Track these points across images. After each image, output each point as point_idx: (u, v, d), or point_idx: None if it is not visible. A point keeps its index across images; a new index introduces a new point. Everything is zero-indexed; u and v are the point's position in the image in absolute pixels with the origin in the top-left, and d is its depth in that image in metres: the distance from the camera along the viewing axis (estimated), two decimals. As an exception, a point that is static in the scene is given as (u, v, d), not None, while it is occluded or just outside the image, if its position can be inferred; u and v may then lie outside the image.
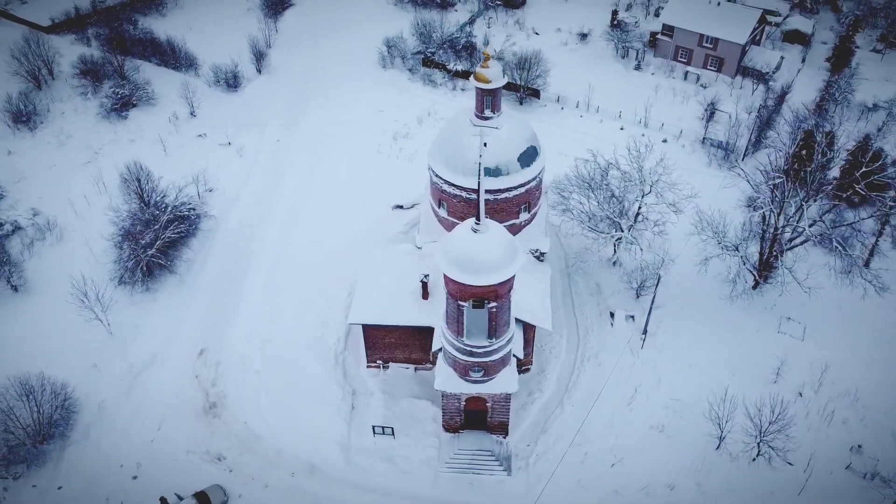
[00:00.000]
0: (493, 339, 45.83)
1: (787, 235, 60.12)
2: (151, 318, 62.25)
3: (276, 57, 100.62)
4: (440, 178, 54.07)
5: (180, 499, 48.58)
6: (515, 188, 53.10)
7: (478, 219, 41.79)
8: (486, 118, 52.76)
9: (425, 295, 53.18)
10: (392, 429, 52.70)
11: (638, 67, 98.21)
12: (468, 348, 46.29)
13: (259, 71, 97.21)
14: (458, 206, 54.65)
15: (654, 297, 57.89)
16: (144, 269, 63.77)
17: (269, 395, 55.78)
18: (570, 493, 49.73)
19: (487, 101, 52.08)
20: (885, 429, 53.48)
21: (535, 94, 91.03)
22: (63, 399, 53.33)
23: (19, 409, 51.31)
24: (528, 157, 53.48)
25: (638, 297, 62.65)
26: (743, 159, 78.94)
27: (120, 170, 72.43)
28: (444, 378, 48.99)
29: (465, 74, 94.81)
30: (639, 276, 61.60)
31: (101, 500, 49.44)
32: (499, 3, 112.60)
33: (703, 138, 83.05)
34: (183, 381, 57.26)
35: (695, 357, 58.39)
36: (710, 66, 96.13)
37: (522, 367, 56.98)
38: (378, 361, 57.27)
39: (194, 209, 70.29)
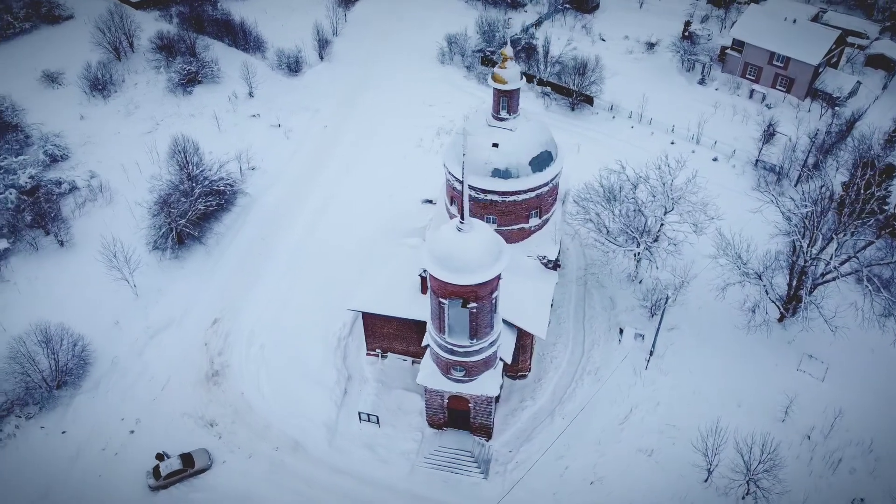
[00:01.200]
0: (475, 340, 45.68)
1: (820, 269, 56.82)
2: (176, 284, 65.26)
3: (340, 45, 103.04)
4: (452, 175, 54.21)
5: (168, 457, 50.88)
6: (524, 192, 52.62)
7: (462, 217, 41.74)
8: (502, 119, 52.48)
9: (424, 289, 53.37)
10: (377, 417, 53.38)
11: (702, 82, 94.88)
12: (449, 346, 46.35)
13: (321, 58, 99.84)
14: (475, 202, 54.54)
15: (661, 318, 56.06)
16: (175, 237, 66.92)
17: (269, 369, 57.50)
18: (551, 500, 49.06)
19: (503, 102, 51.84)
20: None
21: (589, 100, 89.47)
22: (80, 350, 56.85)
23: (39, 355, 54.97)
24: (541, 162, 52.84)
25: (652, 315, 60.83)
26: (795, 185, 75.16)
27: (184, 142, 75.77)
28: (428, 373, 49.23)
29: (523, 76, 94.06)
30: (652, 294, 59.75)
31: (97, 449, 52.37)
32: (568, 6, 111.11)
33: (756, 160, 79.46)
34: (193, 347, 59.79)
35: (701, 384, 56.23)
36: (779, 85, 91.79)
37: (519, 373, 56.53)
38: (377, 350, 58.05)
39: (231, 185, 73.06)
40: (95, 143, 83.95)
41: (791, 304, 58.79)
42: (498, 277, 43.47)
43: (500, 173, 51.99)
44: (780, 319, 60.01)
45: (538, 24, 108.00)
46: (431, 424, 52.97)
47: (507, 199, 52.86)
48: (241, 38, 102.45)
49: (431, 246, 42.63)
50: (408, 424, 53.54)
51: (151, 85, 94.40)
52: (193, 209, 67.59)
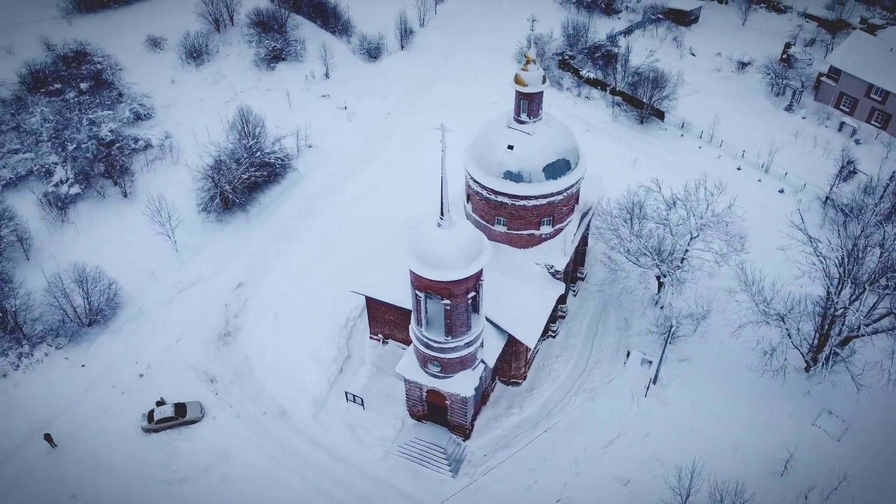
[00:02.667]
0: (449, 338, 45.74)
1: (852, 320, 52.44)
2: (213, 245, 69.02)
3: (424, 37, 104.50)
4: (469, 174, 54.18)
5: (163, 403, 54.21)
6: (535, 198, 51.81)
7: (441, 213, 41.88)
8: (522, 122, 51.91)
9: (426, 281, 53.78)
10: (362, 399, 54.47)
11: (789, 108, 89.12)
12: (425, 339, 46.65)
13: (402, 47, 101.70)
14: (479, 203, 54.54)
15: (665, 347, 53.71)
16: (221, 202, 70.69)
17: (276, 337, 59.80)
18: (506, 512, 48.57)
19: (524, 105, 51.25)
20: (891, 565, 45.78)
21: (660, 115, 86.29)
22: (112, 294, 61.50)
23: (75, 293, 59.89)
24: (557, 169, 51.80)
25: (667, 343, 58.25)
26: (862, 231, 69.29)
27: (248, 114, 79.79)
28: (407, 364, 49.73)
29: (595, 83, 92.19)
30: (665, 321, 57.28)
31: (108, 386, 56.56)
32: (663, 17, 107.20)
33: (826, 197, 73.95)
34: (214, 306, 63.12)
35: (702, 422, 53.50)
36: (874, 121, 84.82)
37: (511, 379, 55.95)
38: (379, 336, 59.09)
39: (282, 160, 76.17)
40: (178, 107, 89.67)
41: (819, 354, 54.58)
42: (475, 278, 43.33)
43: (511, 176, 51.48)
44: (807, 369, 55.92)
45: (628, 32, 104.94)
46: (412, 415, 53.46)
47: (517, 203, 52.24)
48: (332, 20, 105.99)
49: (412, 237, 43.05)
50: (392, 412, 54.29)
51: (241, 58, 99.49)
52: (240, 178, 71.13)
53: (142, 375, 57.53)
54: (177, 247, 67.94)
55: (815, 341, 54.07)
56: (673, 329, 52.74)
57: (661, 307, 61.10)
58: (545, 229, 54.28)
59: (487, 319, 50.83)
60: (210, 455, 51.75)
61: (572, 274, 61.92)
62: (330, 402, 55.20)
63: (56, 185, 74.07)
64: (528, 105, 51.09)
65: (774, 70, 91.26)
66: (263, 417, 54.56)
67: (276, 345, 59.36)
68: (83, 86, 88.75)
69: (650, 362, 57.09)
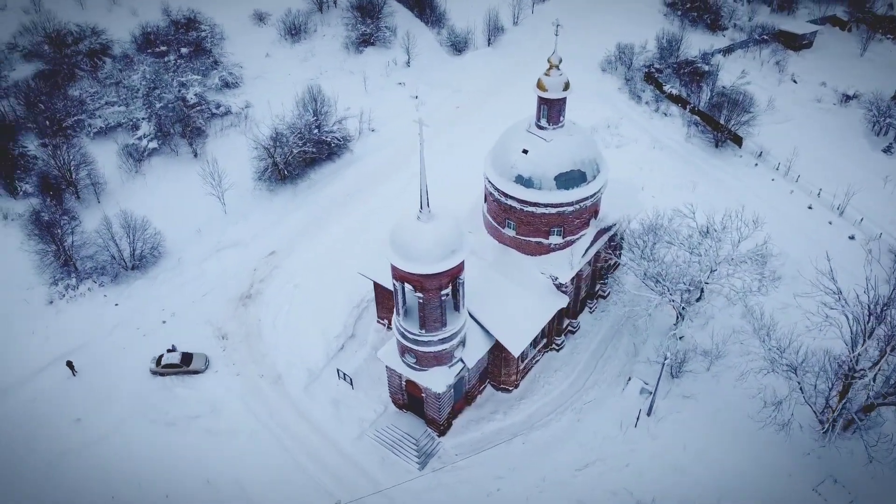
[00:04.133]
0: (423, 331, 46.00)
1: (870, 384, 47.82)
2: (259, 212, 72.52)
3: (513, 35, 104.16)
4: (486, 175, 53.82)
5: (173, 350, 57.94)
6: (544, 206, 50.78)
7: (421, 205, 42.17)
8: (541, 128, 51.04)
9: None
10: (352, 380, 55.74)
11: (888, 150, 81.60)
12: (401, 329, 47.17)
13: (489, 43, 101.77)
14: (492, 204, 54.18)
15: (659, 379, 51.16)
16: (275, 173, 74.12)
17: (291, 307, 62.17)
18: (458, 515, 48.35)
19: (544, 111, 50.40)
20: None
21: (737, 140, 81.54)
22: (156, 243, 66.30)
23: (124, 239, 65.01)
24: (570, 180, 50.52)
25: (673, 376, 55.61)
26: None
27: (317, 93, 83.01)
28: (388, 351, 50.38)
29: (676, 99, 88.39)
30: (675, 354, 54.53)
31: (133, 327, 61.09)
32: (770, 38, 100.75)
33: (900, 250, 67.45)
34: (244, 268, 66.49)
35: (690, 464, 50.65)
36: (983, 175, 76.04)
37: (501, 385, 55.34)
38: (385, 321, 60.08)
39: (340, 140, 78.64)
40: (265, 80, 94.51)
41: (834, 416, 50.13)
42: (449, 275, 43.27)
43: (522, 180, 50.76)
44: (824, 433, 51.42)
45: (727, 50, 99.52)
46: (394, 403, 54.13)
47: (526, 209, 51.43)
48: (427, 10, 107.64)
49: (393, 226, 43.62)
50: (378, 396, 55.19)
51: (335, 39, 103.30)
52: (292, 152, 74.29)
53: (164, 322, 61.64)
54: (226, 209, 72.00)
55: (829, 402, 49.66)
56: (668, 361, 50.11)
57: (680, 338, 58.13)
58: (554, 239, 53.09)
59: (475, 321, 50.67)
60: (202, 405, 54.82)
61: (589, 290, 60.15)
62: (323, 377, 56.85)
63: (139, 139, 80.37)
64: (549, 111, 50.13)
65: (879, 107, 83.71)
66: (260, 380, 57.06)
67: (290, 313, 61.73)
68: (184, 50, 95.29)
69: (650, 392, 54.63)
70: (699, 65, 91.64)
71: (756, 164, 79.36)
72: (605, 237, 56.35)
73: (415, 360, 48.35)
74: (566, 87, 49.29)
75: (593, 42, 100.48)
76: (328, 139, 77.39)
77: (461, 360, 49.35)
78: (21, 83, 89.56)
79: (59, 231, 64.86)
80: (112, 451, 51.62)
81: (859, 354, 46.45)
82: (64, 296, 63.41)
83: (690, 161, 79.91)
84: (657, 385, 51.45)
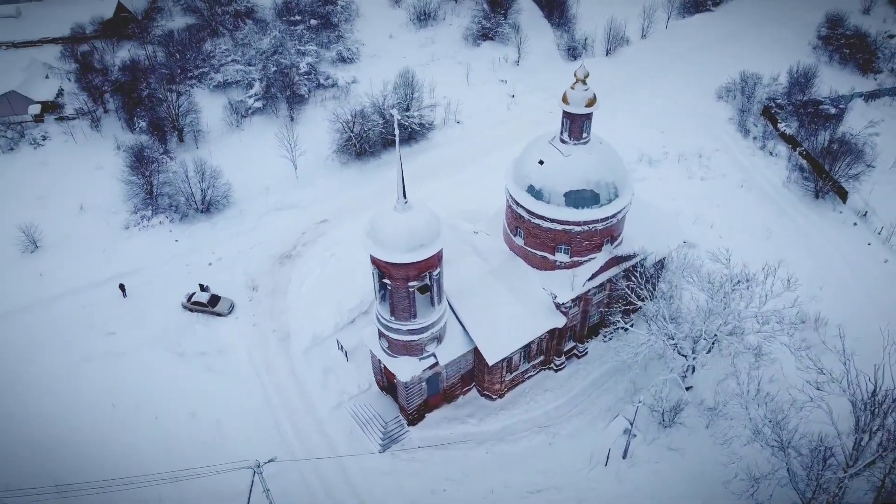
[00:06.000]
0: (393, 318, 46.97)
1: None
2: (325, 182, 76.39)
3: (637, 48, 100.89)
4: (505, 180, 53.25)
5: (206, 290, 63.10)
6: (549, 220, 49.55)
7: (398, 195, 43.05)
8: (564, 142, 49.78)
9: (434, 266, 54.71)
10: (347, 352, 57.81)
11: None
12: (378, 313, 48.39)
13: (607, 53, 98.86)
14: (508, 211, 53.63)
15: (633, 422, 48.35)
16: (347, 147, 77.62)
17: (321, 272, 65.16)
18: (398, 501, 48.97)
19: (566, 125, 49.05)
20: None
21: (842, 194, 73.70)
22: (225, 192, 72.20)
23: (197, 183, 71.44)
24: (580, 200, 48.89)
25: (664, 425, 52.34)
26: None
27: (410, 77, 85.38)
28: (371, 333, 51.67)
29: (789, 139, 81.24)
30: (666, 403, 51.34)
31: (182, 263, 67.08)
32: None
33: None
34: (294, 230, 70.54)
35: (651, 517, 47.85)
36: None
37: (485, 391, 54.95)
38: (398, 304, 61.40)
39: (419, 126, 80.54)
40: (380, 59, 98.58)
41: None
42: (416, 268, 43.81)
43: (533, 191, 49.85)
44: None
45: (872, 96, 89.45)
46: (377, 384, 55.56)
47: (533, 221, 50.43)
48: (557, 12, 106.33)
49: (375, 212, 44.88)
50: (366, 374, 56.81)
51: (458, 29, 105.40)
52: (373, 131, 77.37)
53: (210, 264, 67.15)
54: (297, 173, 76.53)
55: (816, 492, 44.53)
56: (638, 406, 47.29)
57: (687, 389, 54.43)
58: (560, 256, 51.63)
59: (459, 321, 50.73)
60: (212, 345, 59.43)
61: (605, 317, 57.75)
62: (325, 344, 59.34)
63: (250, 97, 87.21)
64: (570, 125, 48.74)
65: None
66: (271, 334, 60.72)
67: (318, 279, 64.82)
68: (313, 22, 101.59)
69: (634, 435, 51.79)
70: (825, 106, 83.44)
71: (855, 224, 71.25)
72: (622, 266, 53.67)
73: (387, 346, 49.41)
74: (590, 103, 47.61)
75: (719, 67, 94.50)
76: (407, 123, 79.50)
77: (433, 356, 49.68)
78: (170, 33, 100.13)
79: (149, 168, 72.41)
80: (125, 368, 57.47)
81: (856, 451, 41.33)
82: (138, 224, 70.93)
83: (779, 207, 73.38)
84: (631, 428, 48.78)
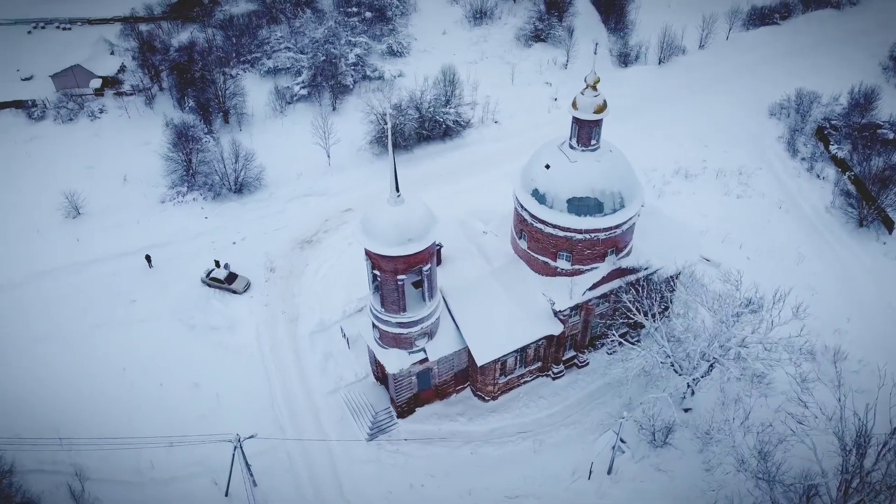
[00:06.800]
0: (383, 309, 47.48)
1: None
2: (356, 171, 77.59)
3: (693, 59, 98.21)
4: (513, 184, 52.82)
5: (224, 267, 65.15)
6: (551, 225, 48.96)
7: (391, 189, 43.48)
8: (572, 148, 49.09)
9: (438, 262, 54.77)
10: (348, 340, 58.67)
11: None
12: (370, 303, 48.97)
13: (659, 62, 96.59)
14: (514, 213, 53.20)
15: (617, 439, 47.28)
16: (381, 139, 78.70)
17: (338, 259, 66.43)
18: (376, 490, 49.52)
19: (574, 130, 48.34)
20: None
21: (889, 224, 69.79)
22: (258, 174, 74.33)
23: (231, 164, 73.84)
24: (583, 207, 48.09)
25: (655, 445, 51.02)
26: None
27: (451, 74, 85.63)
28: (367, 323, 52.23)
29: (840, 163, 77.41)
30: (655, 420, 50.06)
31: (209, 240, 69.42)
32: None
33: None
34: (318, 217, 71.97)
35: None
36: None
37: (478, 391, 54.82)
38: (406, 298, 61.86)
39: (454, 123, 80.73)
40: (429, 55, 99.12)
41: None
42: (404, 262, 44.11)
43: (537, 195, 49.36)
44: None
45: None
46: (373, 374, 56.20)
47: (535, 225, 49.93)
48: (615, 16, 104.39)
49: (371, 203, 45.47)
50: (365, 363, 57.46)
51: (511, 29, 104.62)
52: (407, 126, 78.10)
53: (234, 243, 69.28)
54: (330, 161, 77.99)
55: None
56: (622, 421, 46.23)
57: (685, 410, 52.93)
58: (562, 263, 50.94)
59: (453, 319, 50.77)
60: (224, 320, 61.35)
61: (608, 329, 56.56)
62: (331, 330, 60.36)
63: (296, 84, 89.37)
64: (579, 131, 48.00)
65: None
66: (281, 315, 62.22)
67: (333, 266, 66.04)
68: (367, 14, 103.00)
69: (623, 451, 50.69)
70: (884, 130, 79.16)
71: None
72: (626, 279, 52.40)
73: (379, 337, 49.95)
74: (599, 109, 46.76)
75: (776, 83, 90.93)
76: (441, 119, 79.82)
77: (423, 351, 49.91)
78: (231, 17, 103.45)
79: (190, 146, 75.22)
80: (140, 335, 60.03)
81: (842, 493, 39.39)
82: (173, 199, 73.87)
83: (818, 232, 70.11)
84: (616, 444, 47.73)
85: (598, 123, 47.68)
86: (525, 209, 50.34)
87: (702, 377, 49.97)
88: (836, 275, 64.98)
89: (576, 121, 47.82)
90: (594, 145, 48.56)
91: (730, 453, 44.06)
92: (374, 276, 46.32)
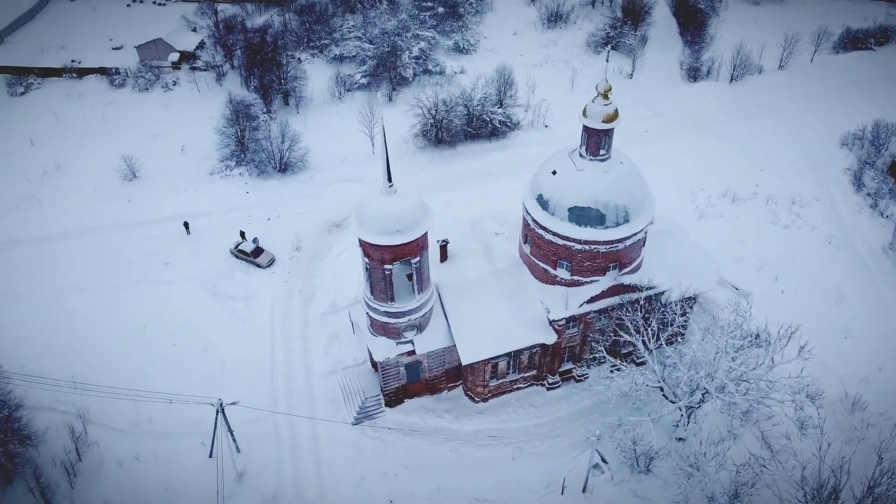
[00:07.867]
0: (372, 297, 48.17)
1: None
2: (399, 162, 76.28)
3: (767, 79, 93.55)
4: (524, 205, 51.95)
5: (252, 241, 67.61)
6: (550, 232, 48.15)
7: (384, 179, 44.10)
8: (582, 156, 48.09)
9: (442, 258, 54.93)
10: (353, 325, 59.58)
11: None
12: (363, 289, 49.75)
13: (731, 80, 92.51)
14: (523, 217, 52.60)
15: (590, 461, 46.05)
16: (427, 133, 79.34)
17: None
18: (351, 473, 50.33)
19: (584, 138, 47.32)
20: None
21: (949, 273, 64.41)
22: (302, 155, 76.72)
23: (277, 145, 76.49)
24: (585, 217, 47.05)
25: (638, 470, 49.33)
26: None
27: (507, 75, 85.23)
28: (362, 314, 52.87)
29: (906, 202, 72.02)
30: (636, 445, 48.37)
31: (246, 215, 72.14)
32: None
33: None
34: (351, 203, 71.87)
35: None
36: None
37: (468, 391, 54.69)
38: (418, 290, 62.34)
39: (500, 124, 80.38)
40: (496, 53, 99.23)
41: None
42: (391, 252, 44.61)
43: (541, 200, 48.66)
44: None
45: None
46: (370, 361, 57.00)
47: (537, 230, 49.22)
48: (692, 28, 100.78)
49: (368, 192, 46.18)
50: (366, 349, 58.37)
51: (583, 34, 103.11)
52: (453, 122, 78.55)
53: (268, 219, 71.80)
54: (374, 150, 79.39)
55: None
56: (595, 439, 44.88)
57: (678, 440, 50.88)
58: (561, 272, 49.98)
59: (445, 316, 50.82)
60: (243, 292, 63.81)
61: (610, 345, 54.99)
62: (341, 313, 61.59)
63: (358, 73, 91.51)
64: (588, 140, 46.94)
65: None
66: (298, 294, 64.07)
67: (355, 251, 66.80)
68: (440, 10, 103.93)
69: (602, 471, 49.42)
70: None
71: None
72: (627, 296, 50.67)
73: (370, 324, 50.68)
74: (610, 118, 45.61)
75: (854, 110, 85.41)
76: (489, 118, 79.63)
77: (411, 343, 50.23)
78: (312, 4, 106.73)
79: (244, 123, 78.47)
80: (166, 296, 63.27)
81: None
82: (221, 173, 77.29)
83: (869, 273, 65.37)
84: (589, 465, 46.57)
85: (608, 133, 46.52)
86: (529, 213, 49.74)
87: (697, 407, 47.87)
88: (877, 321, 60.51)
89: (586, 129, 46.77)
90: (604, 155, 47.38)
91: (703, 489, 42.02)
92: (366, 263, 46.98)
